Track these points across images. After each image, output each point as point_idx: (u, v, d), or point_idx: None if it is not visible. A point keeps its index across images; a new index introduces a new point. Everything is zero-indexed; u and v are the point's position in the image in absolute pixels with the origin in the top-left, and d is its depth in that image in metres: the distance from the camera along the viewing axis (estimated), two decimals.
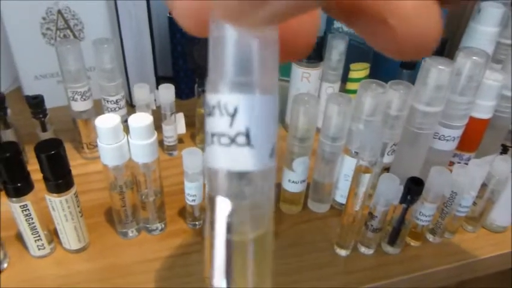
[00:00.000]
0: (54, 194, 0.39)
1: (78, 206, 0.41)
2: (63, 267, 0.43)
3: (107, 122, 0.38)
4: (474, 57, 0.44)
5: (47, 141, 0.38)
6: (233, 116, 0.14)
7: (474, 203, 0.48)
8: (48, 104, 0.53)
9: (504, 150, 0.54)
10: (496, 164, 0.45)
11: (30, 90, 0.62)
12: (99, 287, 0.41)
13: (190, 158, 0.42)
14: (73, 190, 0.40)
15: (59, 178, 0.38)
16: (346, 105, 0.43)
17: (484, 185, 0.46)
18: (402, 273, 0.45)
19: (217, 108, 0.14)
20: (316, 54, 0.57)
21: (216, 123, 0.14)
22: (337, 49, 0.57)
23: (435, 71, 0.43)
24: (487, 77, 0.47)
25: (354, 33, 0.71)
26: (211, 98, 0.14)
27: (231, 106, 0.14)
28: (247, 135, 0.14)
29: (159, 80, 0.67)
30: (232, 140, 0.14)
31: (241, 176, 0.15)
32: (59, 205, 0.39)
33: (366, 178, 0.40)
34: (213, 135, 0.14)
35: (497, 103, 0.49)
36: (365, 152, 0.39)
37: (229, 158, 0.14)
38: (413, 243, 0.48)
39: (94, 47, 0.49)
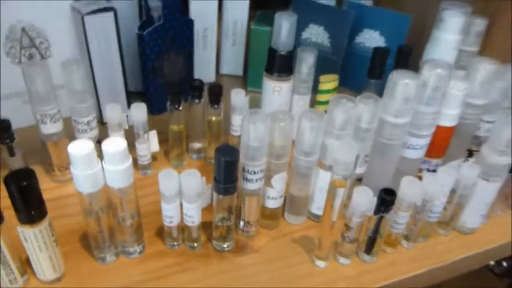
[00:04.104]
0: (27, 226, 0.38)
1: (52, 236, 0.40)
2: None
3: (80, 149, 0.37)
4: (438, 70, 0.46)
5: (18, 172, 0.37)
6: None
7: (445, 208, 0.49)
8: (15, 125, 0.52)
9: (470, 154, 0.57)
10: (463, 171, 0.47)
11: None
12: None
13: (167, 179, 0.42)
14: (47, 220, 0.39)
15: (31, 209, 0.37)
16: (318, 121, 0.44)
17: (452, 191, 0.48)
18: (381, 280, 0.46)
19: None
20: (286, 68, 0.57)
21: None
22: (306, 62, 0.58)
23: (402, 84, 0.45)
24: (451, 87, 0.49)
25: (322, 44, 0.72)
26: None
27: None
28: None
29: (130, 95, 0.66)
30: None
31: None
32: (32, 237, 0.38)
33: (341, 192, 0.41)
34: None
35: (462, 110, 0.51)
36: (339, 167, 0.40)
37: None
38: (389, 250, 0.49)
39: (63, 68, 0.48)
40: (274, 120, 0.43)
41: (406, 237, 0.50)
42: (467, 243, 0.52)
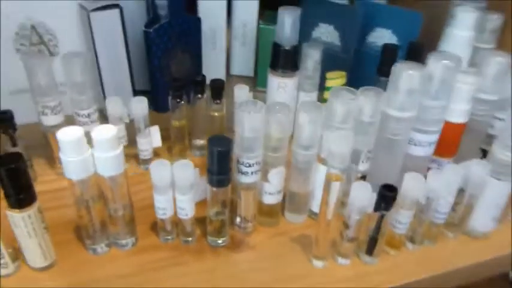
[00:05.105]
0: (16, 210, 0.38)
1: (42, 222, 0.40)
2: (29, 286, 0.41)
3: (69, 135, 0.37)
4: (445, 61, 0.44)
5: (7, 156, 0.37)
6: None
7: (453, 209, 0.47)
8: (24, 120, 0.52)
9: (484, 154, 0.54)
10: (473, 168, 0.44)
11: (5, 105, 0.61)
12: None
13: (159, 170, 0.41)
14: (35, 205, 0.39)
15: (20, 193, 0.37)
16: (316, 113, 0.43)
17: (462, 190, 0.46)
18: (381, 283, 0.44)
19: None
20: (291, 64, 0.56)
21: None
22: (312, 58, 0.57)
23: (406, 75, 0.43)
24: (460, 81, 0.46)
25: (332, 43, 0.71)
26: None
27: None
28: None
29: (137, 94, 0.67)
30: None
31: None
32: (20, 221, 0.38)
33: (336, 186, 0.39)
34: None
35: (473, 106, 0.49)
36: (334, 159, 0.38)
37: None
38: (392, 252, 0.47)
39: (64, 60, 0.49)
40: (270, 110, 0.42)
41: (411, 239, 0.47)
42: (477, 248, 0.49)
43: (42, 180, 0.54)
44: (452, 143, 0.51)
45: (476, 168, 0.44)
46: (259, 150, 0.42)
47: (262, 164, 0.44)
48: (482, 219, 0.48)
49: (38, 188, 0.46)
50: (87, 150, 0.38)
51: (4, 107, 0.51)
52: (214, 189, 0.42)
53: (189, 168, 0.41)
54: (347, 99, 0.43)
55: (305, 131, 0.43)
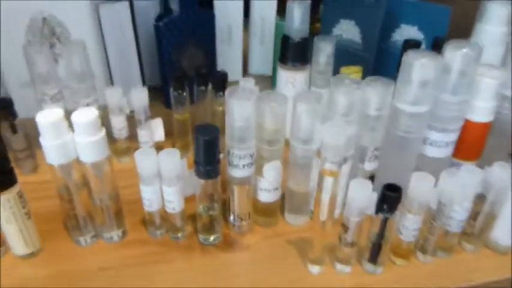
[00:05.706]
0: None
1: (23, 208, 0.39)
2: (9, 273, 0.40)
3: (48, 117, 0.35)
4: (464, 50, 0.39)
5: None
6: None
7: (473, 218, 0.41)
8: (33, 113, 0.52)
9: None
10: (495, 171, 0.39)
11: (16, 98, 0.61)
12: None
13: (144, 159, 0.39)
14: (16, 189, 0.37)
15: None
16: (315, 103, 0.39)
17: (482, 196, 0.40)
18: None
19: None
20: (301, 57, 0.53)
21: None
22: (324, 52, 0.53)
23: (418, 65, 0.39)
24: (482, 74, 0.41)
25: (353, 40, 0.67)
26: None
27: None
28: None
29: (148, 90, 0.65)
30: None
31: None
32: None
33: (329, 182, 0.35)
34: None
35: (499, 104, 0.43)
36: (327, 152, 0.34)
37: None
38: (398, 261, 0.42)
39: (64, 48, 0.48)
40: (263, 99, 0.39)
41: (422, 249, 0.42)
42: (498, 264, 0.43)
43: (42, 171, 0.54)
44: (475, 144, 0.45)
45: (498, 171, 0.39)
46: (251, 142, 0.39)
47: (256, 157, 0.41)
48: (505, 230, 0.42)
49: (36, 177, 0.45)
50: (68, 134, 0.37)
51: (15, 99, 0.51)
52: (202, 181, 0.39)
53: (175, 157, 0.39)
54: (350, 88, 0.39)
55: (302, 122, 0.40)
